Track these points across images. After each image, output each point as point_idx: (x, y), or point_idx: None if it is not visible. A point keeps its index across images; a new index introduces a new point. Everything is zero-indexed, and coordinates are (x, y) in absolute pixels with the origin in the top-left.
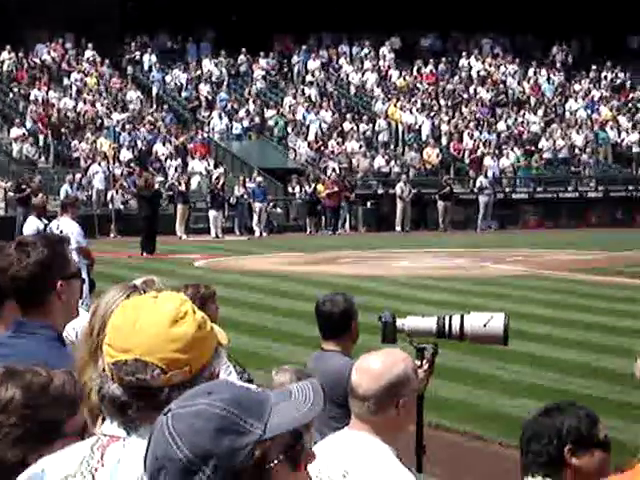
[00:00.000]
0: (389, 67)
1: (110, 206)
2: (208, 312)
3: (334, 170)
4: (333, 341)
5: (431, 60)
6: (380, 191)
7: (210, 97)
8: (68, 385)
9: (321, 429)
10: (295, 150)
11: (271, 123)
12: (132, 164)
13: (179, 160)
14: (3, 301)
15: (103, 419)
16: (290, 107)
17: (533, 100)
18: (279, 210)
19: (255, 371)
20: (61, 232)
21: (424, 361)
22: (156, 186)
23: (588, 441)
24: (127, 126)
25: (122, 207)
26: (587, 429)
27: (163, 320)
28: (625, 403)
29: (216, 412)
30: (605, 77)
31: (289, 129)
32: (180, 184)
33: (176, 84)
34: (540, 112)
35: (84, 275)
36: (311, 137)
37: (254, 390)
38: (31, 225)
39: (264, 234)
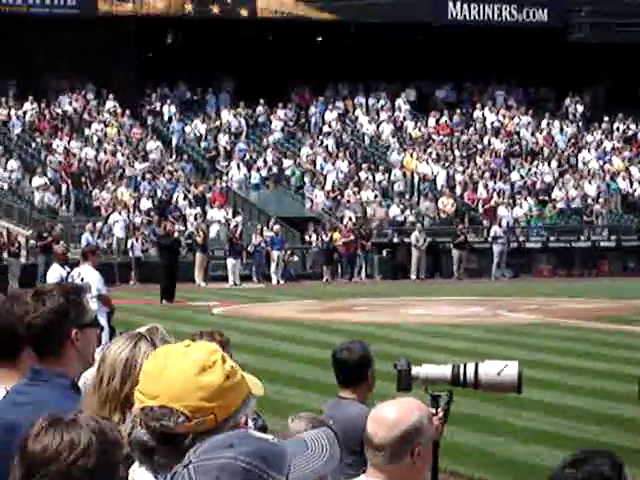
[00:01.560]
0: (404, 118)
1: (130, 254)
2: None
3: (350, 219)
4: (349, 389)
5: (446, 111)
6: (395, 240)
7: (229, 147)
8: (116, 429)
9: (337, 477)
10: (312, 199)
11: (288, 173)
12: (152, 213)
13: (198, 209)
14: (21, 349)
15: None
16: (307, 157)
17: (546, 151)
18: (296, 258)
19: (270, 418)
20: (82, 280)
21: (439, 409)
22: (175, 234)
23: None
24: (147, 176)
25: (142, 255)
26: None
27: (191, 368)
28: (637, 450)
29: (241, 466)
30: (617, 128)
31: (306, 179)
32: (199, 233)
33: (195, 134)
34: (553, 162)
35: (104, 322)
36: (328, 186)
37: (273, 442)
38: (54, 273)
39: (281, 282)
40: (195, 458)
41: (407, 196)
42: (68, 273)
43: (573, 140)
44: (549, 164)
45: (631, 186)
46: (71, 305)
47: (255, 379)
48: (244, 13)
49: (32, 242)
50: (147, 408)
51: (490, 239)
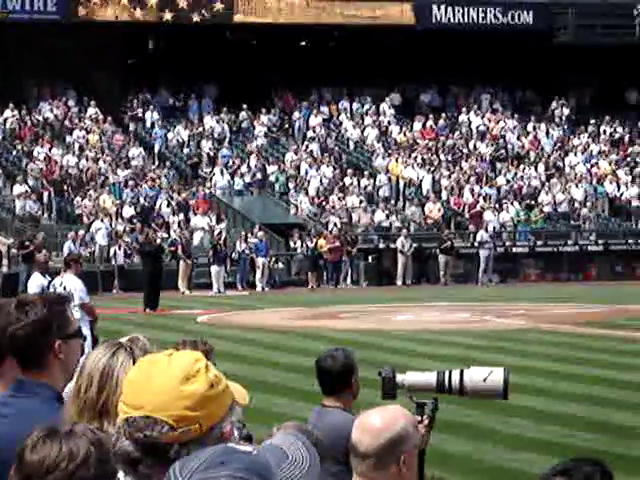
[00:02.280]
0: (389, 122)
1: (113, 262)
2: None
3: (335, 225)
4: (333, 397)
5: (431, 115)
6: (381, 245)
7: (212, 153)
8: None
9: None
10: (296, 205)
11: (272, 179)
12: (135, 220)
13: (181, 216)
14: (3, 359)
15: None
16: (291, 163)
17: (532, 155)
18: (281, 265)
19: (255, 426)
20: (64, 289)
21: (424, 417)
22: (158, 242)
23: None
24: (130, 183)
25: (125, 263)
26: None
27: (174, 378)
28: (628, 457)
29: None
30: (604, 131)
31: (290, 184)
32: (182, 240)
33: (178, 140)
34: (540, 166)
35: (87, 332)
36: (312, 192)
37: (257, 454)
38: (35, 282)
39: (266, 289)
40: (188, 478)
41: (392, 201)
42: (49, 282)
43: (559, 144)
44: (535, 168)
45: (618, 189)
46: (54, 316)
47: (240, 388)
48: (227, 19)
49: (14, 251)
50: (131, 418)
51: (477, 244)
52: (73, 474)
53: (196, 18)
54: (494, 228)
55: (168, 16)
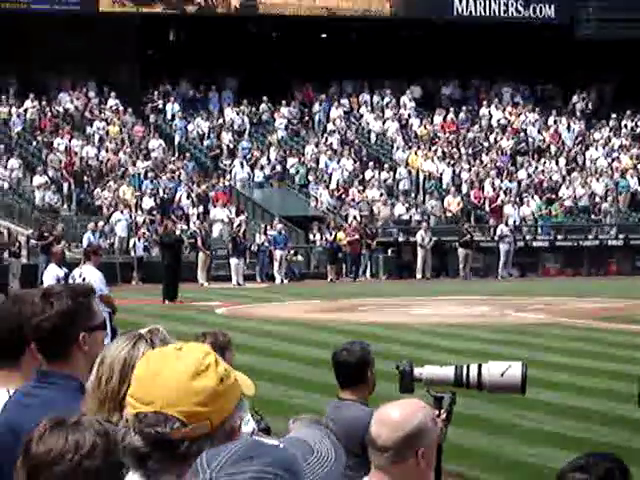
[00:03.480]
0: (410, 115)
1: (132, 254)
2: (226, 360)
3: (355, 218)
4: (349, 390)
5: (451, 108)
6: (401, 239)
7: (232, 145)
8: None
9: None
10: (316, 198)
11: (292, 171)
12: (154, 212)
13: (201, 208)
14: (24, 350)
15: None
16: (311, 155)
17: (553, 148)
18: (300, 257)
19: (273, 419)
20: (84, 280)
21: (442, 410)
22: (178, 233)
23: None
24: (149, 174)
25: (144, 255)
26: None
27: (185, 373)
28: None
29: (270, 477)
30: (625, 125)
31: (310, 177)
32: (202, 232)
33: (198, 132)
34: (561, 160)
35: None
36: (332, 185)
37: (284, 448)
38: (51, 273)
39: (285, 281)
40: (216, 473)
41: (412, 194)
42: (66, 274)
43: (580, 137)
44: (556, 162)
45: (639, 184)
46: (79, 307)
47: (246, 377)
48: (247, 10)
49: (33, 242)
50: (141, 414)
51: (497, 238)
52: (79, 465)
53: (218, 10)
54: (514, 222)
55: (191, 8)
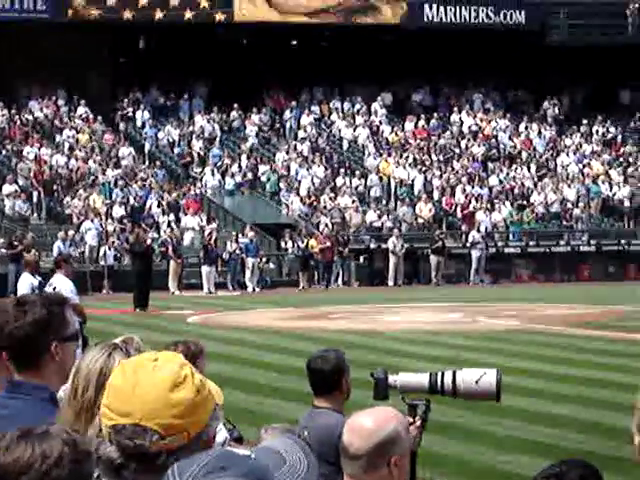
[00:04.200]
0: (381, 122)
1: (103, 262)
2: (198, 369)
3: (326, 225)
4: (324, 398)
5: (422, 115)
6: (373, 246)
7: (202, 153)
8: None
9: None
10: (288, 205)
11: (264, 179)
12: (124, 220)
13: (172, 216)
14: None
15: None
16: (283, 162)
17: (525, 155)
18: (272, 265)
19: (246, 428)
20: (54, 289)
21: (416, 418)
22: (148, 242)
23: None
24: (120, 182)
25: (115, 263)
26: None
27: (163, 385)
28: (620, 458)
29: None
30: (596, 131)
31: (281, 184)
32: (173, 240)
33: (169, 140)
34: (532, 166)
35: None
36: (303, 192)
37: (255, 459)
38: (25, 282)
39: (257, 289)
40: None
41: (384, 201)
42: (40, 282)
43: (552, 144)
44: (527, 168)
45: (611, 190)
46: (53, 317)
47: (215, 386)
48: (218, 18)
49: (2, 251)
50: (119, 426)
51: (468, 244)
52: (47, 474)
53: (188, 16)
54: (486, 228)
55: (160, 15)
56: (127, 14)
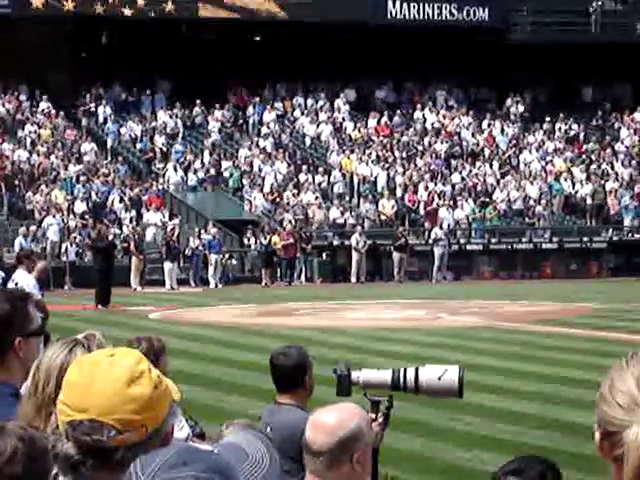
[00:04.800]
0: (344, 119)
1: (64, 258)
2: (161, 365)
3: (290, 221)
4: (287, 394)
5: (386, 112)
6: (335, 242)
7: (165, 149)
8: (44, 439)
9: None
10: (250, 201)
11: (226, 175)
12: (86, 216)
13: (134, 212)
14: None
15: None
16: (245, 159)
17: (487, 152)
18: (234, 261)
19: (208, 424)
20: (16, 285)
21: (379, 414)
22: (110, 238)
23: None
24: (82, 178)
25: (76, 259)
26: None
27: (120, 380)
28: (580, 454)
29: None
30: (559, 129)
31: (244, 181)
32: (135, 236)
33: (131, 136)
34: (494, 164)
35: None
36: (266, 188)
37: (218, 454)
38: None
39: (219, 285)
40: (149, 478)
41: (347, 198)
42: (4, 278)
43: (514, 141)
44: (490, 165)
45: (573, 187)
46: (16, 312)
47: (171, 383)
48: (182, 14)
49: None
50: (75, 422)
51: (431, 241)
52: (0, 471)
53: (151, 13)
54: (448, 225)
55: (125, 11)
56: (89, 9)
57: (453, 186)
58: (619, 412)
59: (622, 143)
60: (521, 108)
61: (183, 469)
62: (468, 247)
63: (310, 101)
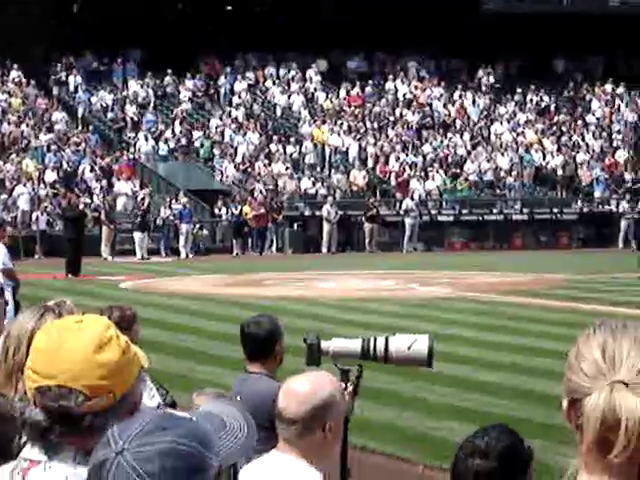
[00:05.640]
0: (315, 89)
1: (35, 227)
2: (132, 334)
3: (261, 192)
4: (258, 363)
5: (357, 82)
6: (307, 213)
7: (136, 118)
8: (9, 406)
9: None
10: (222, 171)
11: (197, 144)
12: (57, 185)
13: (104, 181)
14: None
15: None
16: (217, 128)
17: (459, 123)
18: (205, 232)
19: (179, 393)
20: None
21: (349, 383)
22: (81, 207)
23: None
24: (52, 147)
25: (47, 228)
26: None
27: (88, 346)
28: (550, 425)
29: (184, 449)
30: (530, 100)
31: (215, 150)
32: (105, 205)
33: (102, 105)
34: (466, 135)
35: (9, 297)
36: (238, 159)
37: (197, 422)
38: None
39: (190, 256)
40: (128, 444)
41: (318, 169)
42: None
43: (485, 112)
44: (461, 136)
45: (544, 158)
46: None
47: (140, 350)
48: None
49: None
50: (44, 388)
51: (402, 212)
52: None
53: None
54: (420, 196)
55: None
56: None
57: (424, 157)
58: (584, 380)
59: (593, 115)
60: (492, 79)
61: (161, 434)
62: (439, 218)
63: (282, 71)
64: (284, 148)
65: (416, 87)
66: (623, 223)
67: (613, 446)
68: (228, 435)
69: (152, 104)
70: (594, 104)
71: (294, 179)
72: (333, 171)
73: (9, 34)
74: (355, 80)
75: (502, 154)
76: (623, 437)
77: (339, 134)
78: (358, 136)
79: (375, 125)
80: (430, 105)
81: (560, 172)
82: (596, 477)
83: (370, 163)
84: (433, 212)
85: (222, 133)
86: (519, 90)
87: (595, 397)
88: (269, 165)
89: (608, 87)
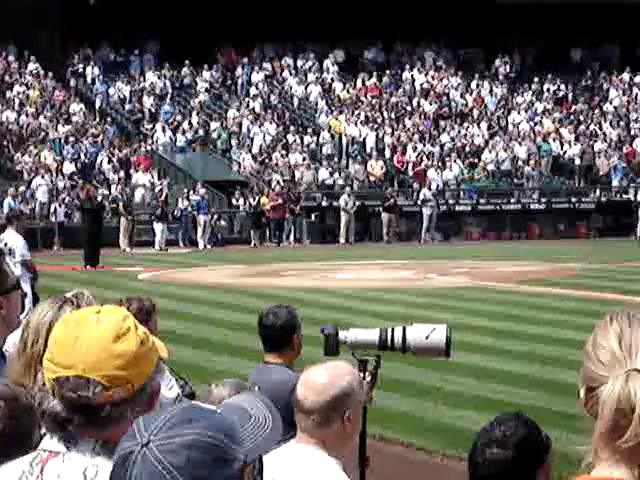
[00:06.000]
0: (333, 80)
1: (53, 219)
2: (151, 325)
3: (278, 182)
4: (275, 354)
5: (374, 73)
6: (324, 203)
7: (153, 109)
8: (30, 397)
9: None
10: (239, 162)
11: (215, 135)
12: (75, 177)
13: (122, 173)
14: None
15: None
16: (234, 119)
17: (476, 112)
18: (223, 222)
19: (197, 384)
20: (5, 245)
21: (367, 373)
22: (99, 199)
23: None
24: (70, 139)
25: (65, 220)
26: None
27: (106, 336)
28: (568, 414)
29: (208, 442)
30: (548, 89)
31: (233, 141)
32: (123, 197)
33: (119, 96)
34: (483, 124)
35: (27, 289)
36: (255, 149)
37: (221, 414)
38: None
39: (208, 247)
40: (154, 436)
41: (336, 159)
42: None
43: (503, 101)
44: (479, 126)
45: (561, 148)
46: None
47: (158, 341)
48: None
49: None
50: (62, 378)
51: (420, 202)
52: None
53: None
54: (437, 186)
55: None
56: None
57: (442, 147)
58: (600, 368)
59: (610, 103)
60: (509, 69)
61: (187, 427)
62: (457, 208)
63: (299, 62)
64: (301, 139)
65: (433, 77)
66: None
67: (624, 433)
68: (253, 427)
69: (169, 95)
70: (611, 93)
71: (311, 170)
72: (350, 161)
73: (27, 26)
74: (372, 70)
75: (519, 143)
76: (637, 423)
77: (356, 124)
78: (375, 126)
79: (392, 115)
80: (447, 95)
81: (578, 161)
82: (604, 462)
83: (387, 153)
84: (451, 202)
85: (239, 124)
86: (536, 79)
87: (611, 385)
88: (286, 156)
89: (625, 76)
